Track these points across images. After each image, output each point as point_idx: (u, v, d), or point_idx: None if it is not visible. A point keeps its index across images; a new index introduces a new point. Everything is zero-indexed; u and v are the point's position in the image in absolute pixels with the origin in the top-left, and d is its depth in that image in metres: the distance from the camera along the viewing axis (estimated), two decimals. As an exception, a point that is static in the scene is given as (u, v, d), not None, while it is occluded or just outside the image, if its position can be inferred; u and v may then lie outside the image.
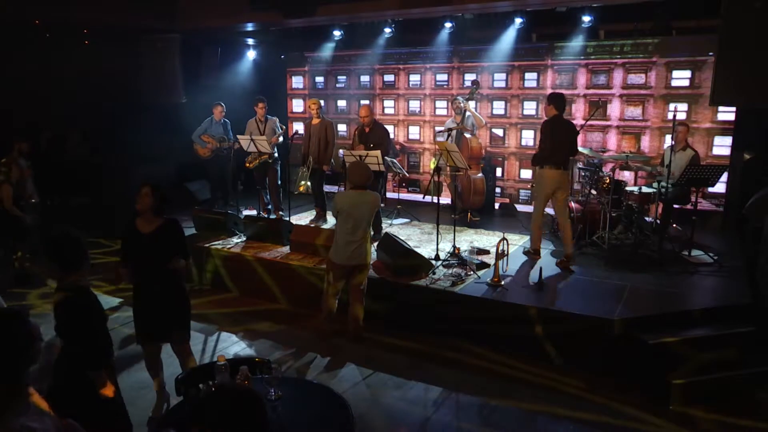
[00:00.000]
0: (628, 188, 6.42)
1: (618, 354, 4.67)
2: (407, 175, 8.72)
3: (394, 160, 7.88)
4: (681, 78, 7.76)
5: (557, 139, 5.80)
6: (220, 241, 7.08)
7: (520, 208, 8.64)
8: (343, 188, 7.71)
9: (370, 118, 7.11)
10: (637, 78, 8.04)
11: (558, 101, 5.92)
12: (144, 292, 4.00)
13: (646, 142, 8.10)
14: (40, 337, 2.22)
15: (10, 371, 2.07)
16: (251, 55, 10.36)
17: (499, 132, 9.08)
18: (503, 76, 8.99)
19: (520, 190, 9.06)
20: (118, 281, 4.03)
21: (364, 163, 5.32)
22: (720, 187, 7.26)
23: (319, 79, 10.67)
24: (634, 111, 8.12)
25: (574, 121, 8.43)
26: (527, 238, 7.12)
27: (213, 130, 8.50)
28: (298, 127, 9.72)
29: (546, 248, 6.71)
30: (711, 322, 4.81)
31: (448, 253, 6.16)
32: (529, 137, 8.84)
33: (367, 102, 9.99)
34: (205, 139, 8.44)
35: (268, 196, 8.25)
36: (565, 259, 5.99)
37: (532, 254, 6.38)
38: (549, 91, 8.61)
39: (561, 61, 8.48)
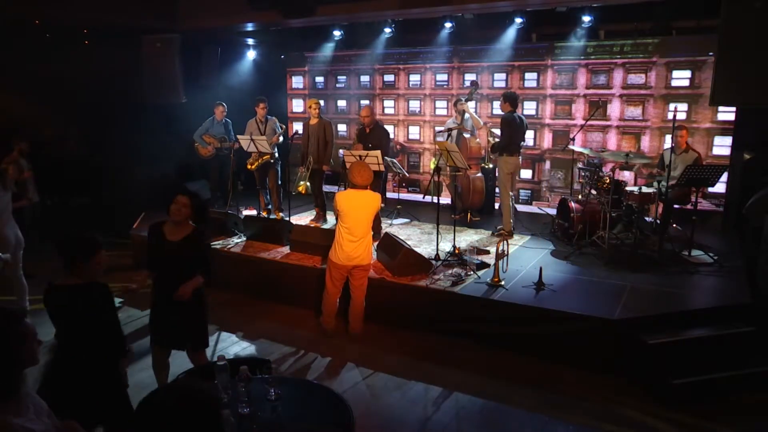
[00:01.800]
0: (628, 188, 6.42)
1: (618, 354, 4.68)
2: (407, 175, 8.72)
3: (394, 160, 7.87)
4: (681, 78, 7.76)
5: (516, 131, 6.92)
6: (220, 241, 7.08)
7: (520, 208, 8.63)
8: (343, 188, 7.70)
9: (371, 118, 7.11)
10: (637, 78, 8.04)
11: (513, 99, 7.02)
12: (163, 301, 3.91)
13: (646, 142, 8.10)
14: (36, 338, 2.21)
15: (4, 372, 2.06)
16: (251, 55, 10.36)
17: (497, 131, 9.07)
18: (503, 76, 8.99)
19: (521, 190, 9.05)
20: (138, 288, 3.98)
21: (365, 164, 5.33)
22: (720, 187, 7.26)
23: (319, 79, 10.67)
24: (634, 111, 8.12)
25: (574, 121, 8.46)
26: (527, 237, 7.14)
27: (214, 129, 8.52)
28: (298, 127, 9.71)
29: (546, 248, 6.72)
30: (711, 322, 4.81)
31: (448, 253, 6.16)
32: (529, 137, 8.83)
33: (368, 102, 10.00)
34: (206, 139, 8.46)
35: (268, 196, 8.25)
36: (505, 232, 7.03)
37: (507, 236, 6.69)
38: (549, 91, 8.63)
39: (561, 61, 8.48)
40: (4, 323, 2.11)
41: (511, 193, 7.11)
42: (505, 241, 5.64)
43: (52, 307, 2.95)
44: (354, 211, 4.99)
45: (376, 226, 7.07)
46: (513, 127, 6.89)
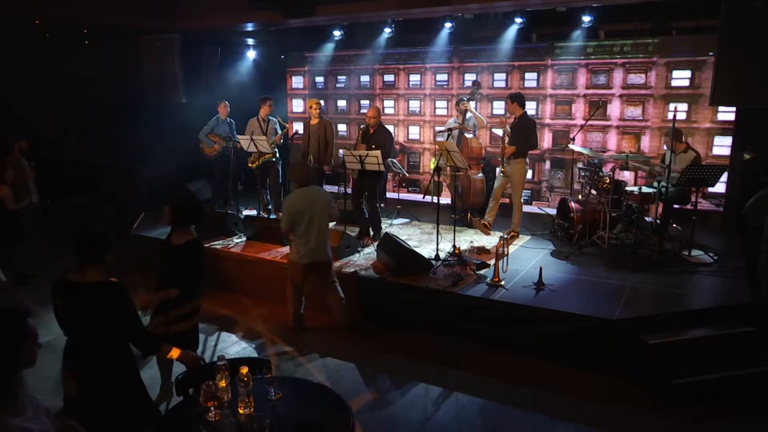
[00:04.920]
0: (628, 188, 6.42)
1: (618, 354, 4.68)
2: (407, 175, 8.72)
3: (395, 161, 7.87)
4: (681, 78, 7.76)
5: (536, 133, 6.96)
6: (220, 241, 7.09)
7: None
8: (343, 188, 7.71)
9: (377, 119, 6.99)
10: (637, 78, 8.04)
11: (521, 99, 6.88)
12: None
13: (646, 142, 8.09)
14: (37, 338, 2.20)
15: (4, 371, 2.06)
16: (251, 55, 10.36)
17: (500, 132, 9.06)
18: (503, 76, 8.99)
19: (520, 190, 9.04)
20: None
21: (303, 162, 5.42)
22: (720, 187, 7.26)
23: (319, 79, 10.67)
24: (634, 111, 8.12)
25: (574, 122, 8.46)
26: (527, 237, 7.14)
27: (219, 128, 8.53)
28: (298, 127, 9.72)
29: (546, 248, 6.72)
30: (711, 322, 4.81)
31: (448, 253, 6.16)
32: (529, 137, 8.83)
33: (370, 102, 9.99)
34: (212, 138, 8.45)
35: (269, 196, 8.25)
36: (513, 233, 7.05)
37: (516, 236, 6.99)
38: (549, 91, 8.63)
39: (561, 61, 8.48)
40: (7, 323, 2.11)
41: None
42: (505, 241, 5.64)
43: (66, 303, 2.91)
44: (309, 208, 5.09)
45: (376, 226, 7.08)
46: (536, 128, 6.95)
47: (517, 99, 6.87)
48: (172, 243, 3.94)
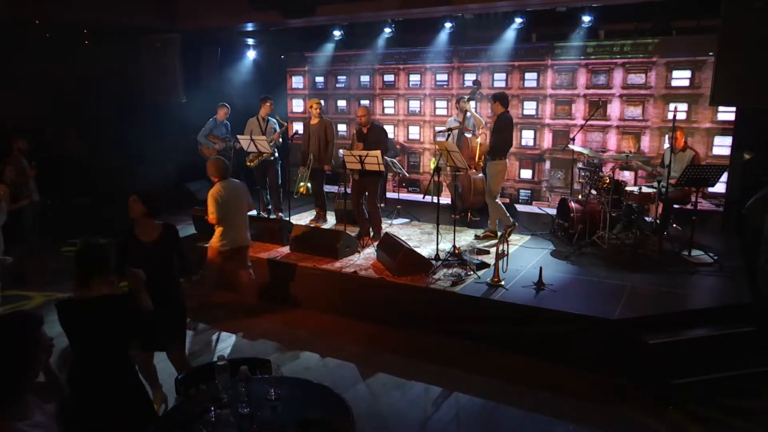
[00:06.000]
0: (628, 188, 6.42)
1: (618, 354, 4.68)
2: (407, 175, 8.72)
3: (394, 160, 7.87)
4: (681, 78, 7.76)
5: (512, 132, 6.80)
6: (220, 241, 7.06)
7: (520, 208, 8.63)
8: (342, 188, 7.71)
9: (367, 118, 7.04)
10: (637, 78, 8.04)
11: (504, 99, 6.78)
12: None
13: (646, 142, 8.09)
14: (49, 348, 2.19)
15: (12, 376, 2.05)
16: (251, 55, 10.37)
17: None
18: (503, 76, 8.99)
19: (520, 190, 9.06)
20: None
21: (218, 158, 5.67)
22: (720, 187, 7.25)
23: (319, 79, 10.67)
24: (634, 111, 8.12)
25: (574, 122, 8.46)
26: (527, 237, 7.14)
27: (217, 130, 8.53)
28: (298, 127, 9.72)
29: (546, 248, 6.72)
30: (711, 322, 4.81)
31: (448, 253, 6.16)
32: (529, 137, 8.84)
33: (365, 102, 9.99)
34: (211, 139, 8.46)
35: (268, 196, 8.25)
36: (510, 229, 6.63)
37: (512, 228, 6.70)
38: (549, 91, 8.63)
39: (561, 61, 8.48)
40: (21, 328, 2.11)
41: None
42: (505, 241, 5.64)
43: (75, 321, 2.88)
44: (236, 197, 5.47)
45: (376, 226, 7.08)
46: (511, 128, 6.79)
47: (499, 98, 6.76)
48: (144, 241, 3.81)
